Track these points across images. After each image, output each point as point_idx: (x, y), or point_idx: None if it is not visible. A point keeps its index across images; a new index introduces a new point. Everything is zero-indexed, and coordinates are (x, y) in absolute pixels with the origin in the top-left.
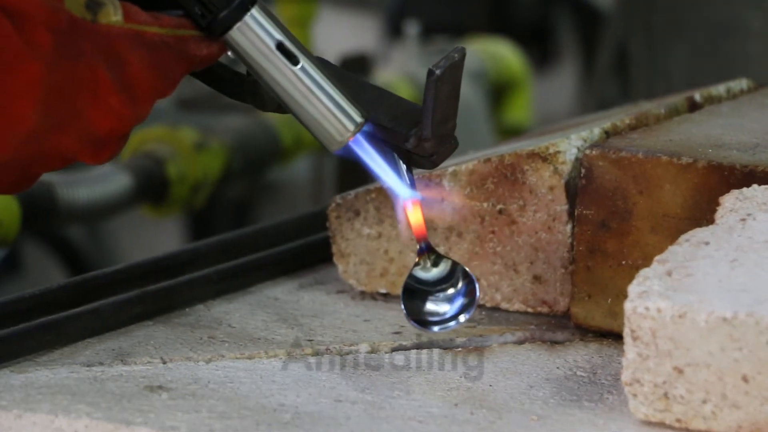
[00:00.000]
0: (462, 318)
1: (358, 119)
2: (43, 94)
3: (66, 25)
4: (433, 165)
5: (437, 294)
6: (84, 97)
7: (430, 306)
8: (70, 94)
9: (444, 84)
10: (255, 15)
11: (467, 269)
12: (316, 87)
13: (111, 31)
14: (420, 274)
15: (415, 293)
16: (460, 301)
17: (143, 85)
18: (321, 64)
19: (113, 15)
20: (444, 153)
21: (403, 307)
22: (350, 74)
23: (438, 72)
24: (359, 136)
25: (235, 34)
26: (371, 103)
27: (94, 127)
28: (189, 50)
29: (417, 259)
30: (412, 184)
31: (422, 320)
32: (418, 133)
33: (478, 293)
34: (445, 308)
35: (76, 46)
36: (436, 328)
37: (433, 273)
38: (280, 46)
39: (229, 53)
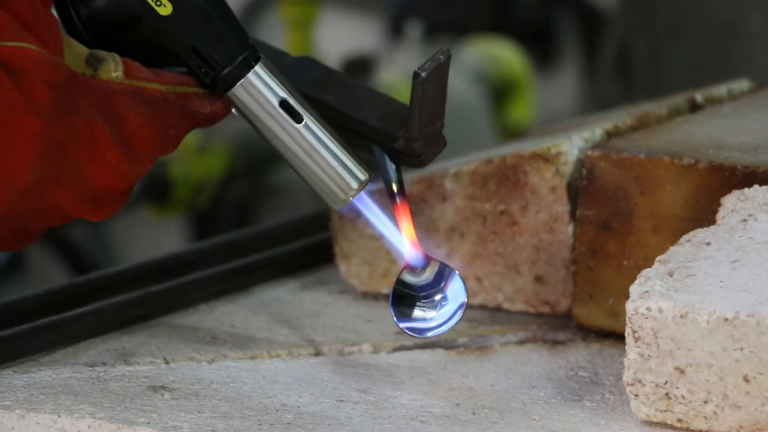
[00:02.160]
0: (451, 322)
1: (362, 177)
2: (39, 148)
3: (65, 80)
4: (422, 165)
5: (425, 299)
6: (81, 153)
7: (418, 311)
8: (68, 149)
9: (430, 86)
10: (258, 72)
11: (455, 271)
12: (320, 145)
13: (111, 87)
14: (408, 278)
15: (403, 298)
16: (448, 305)
17: (143, 142)
18: (323, 119)
19: (114, 71)
20: (432, 152)
21: (392, 312)
22: (339, 74)
23: (423, 74)
24: (363, 194)
25: (238, 91)
26: (360, 104)
27: (92, 183)
28: (192, 107)
29: (405, 264)
30: (402, 188)
31: (412, 327)
32: (406, 134)
33: (466, 296)
34: (433, 313)
35: (74, 101)
36: (428, 334)
37: (422, 278)
38: (284, 104)
39: (233, 110)
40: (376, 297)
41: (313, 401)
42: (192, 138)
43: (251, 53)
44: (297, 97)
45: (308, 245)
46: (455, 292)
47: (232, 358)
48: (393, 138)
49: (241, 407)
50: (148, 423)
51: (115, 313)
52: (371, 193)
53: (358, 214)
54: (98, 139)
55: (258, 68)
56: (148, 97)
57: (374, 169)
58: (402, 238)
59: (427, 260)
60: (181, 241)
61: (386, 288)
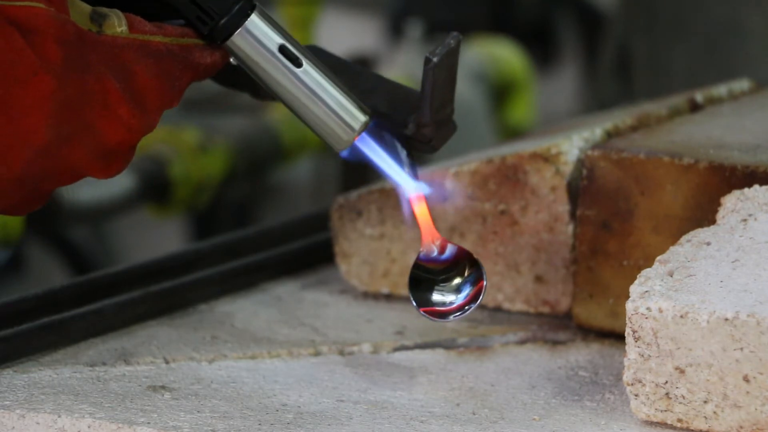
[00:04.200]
0: (472, 306)
1: (363, 117)
2: (54, 107)
3: (74, 38)
4: (433, 150)
5: (444, 283)
6: (94, 109)
7: (437, 295)
8: (80, 106)
9: (441, 70)
10: (255, 20)
11: (473, 254)
12: (320, 88)
13: (117, 42)
14: (425, 261)
15: (421, 283)
16: (468, 289)
17: (151, 95)
18: (322, 63)
19: (118, 26)
20: (443, 137)
21: (411, 297)
22: (347, 62)
23: (435, 59)
24: (365, 134)
25: (237, 39)
26: (369, 91)
27: (105, 139)
28: (193, 58)
29: (421, 247)
30: (414, 172)
31: (432, 311)
32: (416, 119)
33: (486, 280)
34: (452, 297)
35: (84, 58)
36: (450, 317)
37: (439, 260)
38: (283, 49)
39: (232, 60)
40: (376, 297)
41: (313, 401)
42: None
43: (247, 2)
44: (295, 42)
45: (308, 245)
46: (474, 275)
47: (232, 358)
48: (403, 124)
49: (241, 407)
50: (148, 423)
51: (115, 313)
52: (372, 133)
53: (360, 156)
54: (109, 95)
55: (254, 16)
56: (153, 50)
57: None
58: (406, 177)
59: (444, 245)
60: (181, 241)
61: (386, 288)
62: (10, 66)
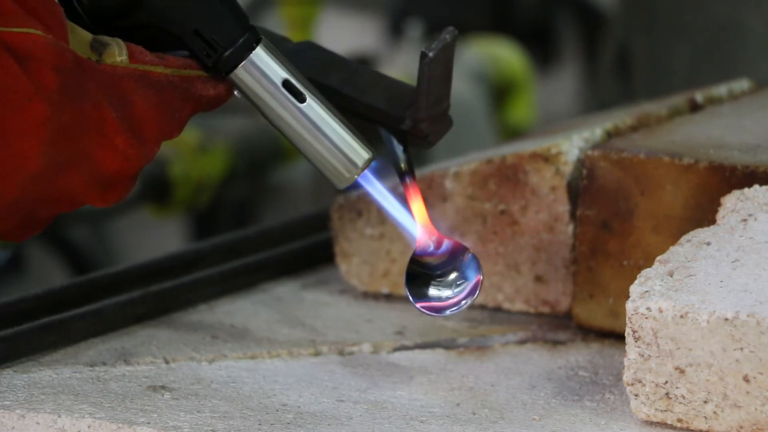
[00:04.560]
0: (468, 301)
1: (366, 155)
2: (49, 134)
3: (72, 66)
4: (430, 145)
5: (440, 278)
6: (90, 137)
7: (433, 290)
8: (77, 134)
9: (437, 66)
10: (260, 53)
11: (469, 249)
12: (323, 124)
13: (116, 72)
14: (422, 257)
15: (417, 278)
16: (464, 284)
17: (149, 125)
18: (325, 98)
19: (118, 55)
20: (439, 132)
21: (407, 292)
22: (343, 58)
23: (431, 54)
24: (367, 172)
25: (241, 73)
26: (365, 86)
27: (101, 168)
28: (195, 90)
29: (416, 244)
30: (411, 169)
31: (429, 306)
32: (413, 115)
33: (482, 275)
34: (448, 291)
35: (81, 86)
36: (447, 312)
37: (436, 255)
38: (286, 84)
39: (236, 92)
40: (376, 297)
41: (313, 401)
42: (192, 138)
43: (252, 35)
44: (299, 77)
45: (308, 245)
46: (470, 270)
47: (232, 358)
48: (400, 119)
49: (241, 407)
50: (148, 423)
51: (115, 313)
52: (375, 171)
53: (366, 200)
54: (106, 124)
55: (259, 49)
56: (153, 80)
57: (380, 150)
58: (409, 216)
59: (440, 240)
60: (181, 241)
61: (386, 288)
62: (5, 92)
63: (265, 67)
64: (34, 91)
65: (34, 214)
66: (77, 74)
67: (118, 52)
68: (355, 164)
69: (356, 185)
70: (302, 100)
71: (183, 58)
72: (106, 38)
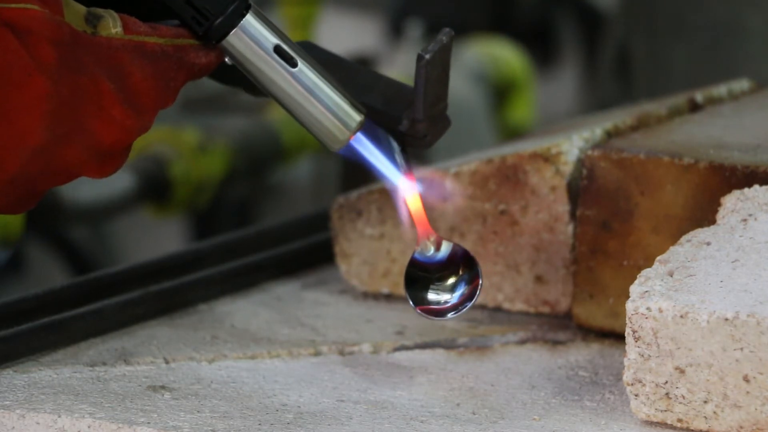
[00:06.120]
0: (468, 304)
1: (358, 117)
2: (49, 108)
3: (68, 39)
4: (428, 145)
5: (439, 282)
6: (88, 110)
7: (432, 294)
8: (75, 107)
9: (434, 67)
10: (250, 20)
11: (469, 252)
12: (315, 88)
13: (111, 44)
14: (421, 260)
15: (416, 281)
16: (463, 287)
17: (146, 96)
18: (317, 62)
19: (113, 27)
20: (437, 132)
21: (407, 296)
22: (341, 58)
23: (427, 56)
24: (360, 134)
25: (232, 39)
26: (364, 87)
27: (100, 139)
28: (188, 59)
29: (416, 245)
30: (409, 168)
31: (429, 309)
32: (410, 116)
33: (481, 278)
34: (447, 295)
35: (78, 59)
36: (448, 315)
37: (435, 258)
38: (278, 49)
39: (227, 59)
40: (376, 297)
41: (313, 401)
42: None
43: (242, 2)
44: (290, 42)
45: (308, 245)
46: (469, 273)
47: (232, 358)
48: (397, 120)
49: (241, 407)
50: (148, 423)
51: (115, 312)
52: (367, 132)
53: (355, 155)
54: (104, 96)
55: (249, 16)
56: (147, 51)
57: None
58: (401, 176)
59: (439, 241)
60: (181, 241)
61: (386, 288)
62: (5, 67)
63: (256, 34)
64: (33, 65)
65: (32, 188)
66: (74, 47)
67: (112, 24)
68: (348, 126)
69: (349, 148)
70: (294, 64)
71: (175, 27)
72: (99, 10)
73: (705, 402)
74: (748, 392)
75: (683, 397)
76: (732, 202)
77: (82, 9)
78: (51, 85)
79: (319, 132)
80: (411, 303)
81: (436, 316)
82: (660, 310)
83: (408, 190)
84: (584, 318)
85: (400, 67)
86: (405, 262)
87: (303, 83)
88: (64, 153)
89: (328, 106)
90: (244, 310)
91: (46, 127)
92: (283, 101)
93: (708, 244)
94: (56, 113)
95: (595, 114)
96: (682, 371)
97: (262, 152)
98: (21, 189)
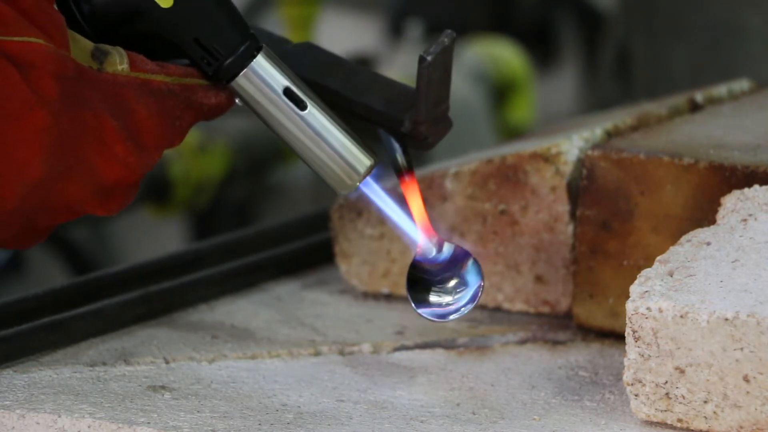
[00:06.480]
0: (470, 306)
1: (368, 162)
2: (49, 142)
3: (73, 74)
4: (429, 146)
5: (440, 283)
6: (90, 146)
7: (434, 296)
8: (77, 142)
9: (436, 69)
10: (261, 61)
11: (470, 253)
12: (325, 131)
13: (117, 80)
14: (422, 262)
15: (418, 283)
16: (465, 289)
17: (150, 134)
18: (327, 105)
19: (119, 64)
20: (439, 134)
21: (409, 298)
22: (342, 59)
23: (429, 58)
24: (369, 179)
25: (242, 81)
26: (364, 88)
27: (101, 176)
28: (196, 98)
29: (417, 248)
30: (411, 170)
31: (431, 311)
32: (412, 117)
33: (483, 280)
34: (448, 297)
35: (82, 94)
36: (450, 317)
37: (437, 260)
38: (287, 92)
39: (237, 100)
40: (376, 297)
41: (313, 401)
42: (192, 138)
43: (253, 43)
44: (300, 84)
45: (308, 245)
46: (471, 274)
47: (232, 358)
48: (399, 121)
49: (241, 407)
50: (148, 423)
51: (115, 313)
52: (377, 178)
53: (365, 199)
54: (107, 132)
55: (260, 57)
56: (153, 89)
57: (380, 154)
58: (410, 223)
59: (440, 242)
60: (181, 241)
61: (386, 288)
62: (6, 101)
63: (266, 75)
64: (35, 99)
65: (33, 223)
66: (78, 82)
67: (119, 61)
68: (356, 171)
69: (358, 191)
70: (303, 107)
71: (184, 66)
72: (107, 47)
73: (705, 402)
74: (748, 392)
75: (683, 397)
76: (732, 202)
77: (89, 45)
78: (52, 119)
79: (327, 176)
80: (413, 305)
81: (438, 318)
82: (660, 310)
83: (420, 242)
84: (584, 318)
85: (400, 67)
86: (405, 262)
87: (312, 126)
88: (64, 188)
89: (336, 150)
90: (244, 310)
91: (45, 161)
92: (291, 144)
93: (708, 244)
94: (57, 147)
95: (595, 114)
96: (682, 371)
97: (262, 152)
98: (22, 223)
